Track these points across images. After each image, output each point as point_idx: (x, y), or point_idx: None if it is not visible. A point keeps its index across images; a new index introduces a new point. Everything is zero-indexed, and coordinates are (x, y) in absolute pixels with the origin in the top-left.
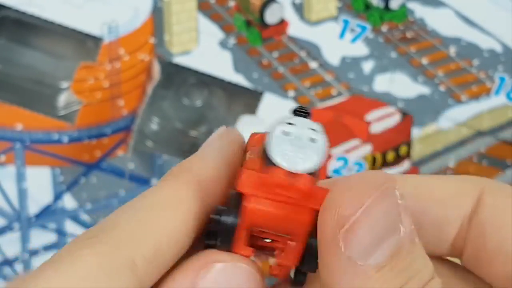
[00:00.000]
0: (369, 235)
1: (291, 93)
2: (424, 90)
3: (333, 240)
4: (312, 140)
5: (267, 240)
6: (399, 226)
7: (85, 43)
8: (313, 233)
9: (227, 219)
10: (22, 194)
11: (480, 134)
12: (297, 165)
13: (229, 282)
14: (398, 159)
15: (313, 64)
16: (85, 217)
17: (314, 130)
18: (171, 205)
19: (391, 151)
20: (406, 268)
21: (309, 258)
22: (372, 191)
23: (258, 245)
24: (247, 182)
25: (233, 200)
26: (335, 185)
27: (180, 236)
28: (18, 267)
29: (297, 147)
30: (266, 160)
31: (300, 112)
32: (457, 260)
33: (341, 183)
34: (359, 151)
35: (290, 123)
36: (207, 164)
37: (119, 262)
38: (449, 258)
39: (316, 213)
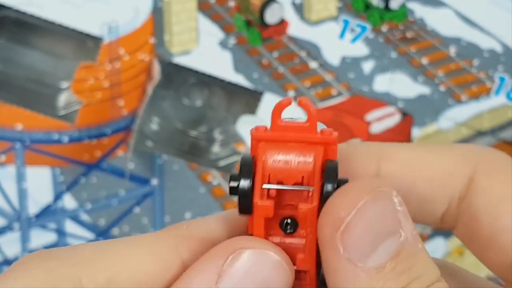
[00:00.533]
0: (365, 237)
1: (291, 93)
2: (424, 90)
3: (331, 243)
4: None
5: (289, 230)
6: (398, 229)
7: (85, 43)
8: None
9: (243, 181)
10: (22, 194)
11: (480, 134)
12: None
13: (256, 271)
14: None
15: (313, 64)
16: (85, 217)
17: None
18: (143, 246)
19: None
20: (408, 270)
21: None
22: (365, 194)
23: (279, 242)
24: (258, 133)
25: (244, 166)
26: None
27: (144, 277)
28: None
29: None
30: None
31: None
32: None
33: (339, 189)
34: None
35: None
36: (202, 224)
37: (64, 278)
38: (436, 258)
39: (325, 151)
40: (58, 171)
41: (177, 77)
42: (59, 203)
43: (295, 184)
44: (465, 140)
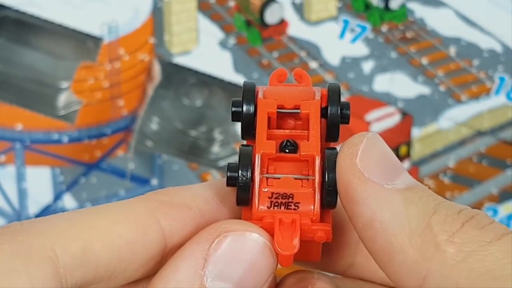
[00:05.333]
0: (382, 163)
1: None
2: (424, 90)
3: (352, 170)
4: None
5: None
6: (406, 171)
7: (85, 43)
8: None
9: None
10: (22, 194)
11: (480, 134)
12: None
13: (242, 253)
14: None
15: (313, 64)
16: None
17: None
18: (117, 212)
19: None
20: (436, 194)
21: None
22: (369, 133)
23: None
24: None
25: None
26: None
27: (120, 243)
28: None
29: None
30: None
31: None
32: None
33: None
34: None
35: None
36: (185, 191)
37: (36, 249)
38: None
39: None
40: (58, 171)
41: (177, 77)
42: (59, 203)
43: (295, 107)
44: (465, 140)
